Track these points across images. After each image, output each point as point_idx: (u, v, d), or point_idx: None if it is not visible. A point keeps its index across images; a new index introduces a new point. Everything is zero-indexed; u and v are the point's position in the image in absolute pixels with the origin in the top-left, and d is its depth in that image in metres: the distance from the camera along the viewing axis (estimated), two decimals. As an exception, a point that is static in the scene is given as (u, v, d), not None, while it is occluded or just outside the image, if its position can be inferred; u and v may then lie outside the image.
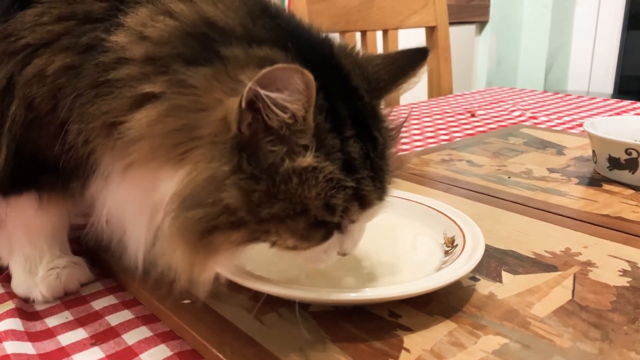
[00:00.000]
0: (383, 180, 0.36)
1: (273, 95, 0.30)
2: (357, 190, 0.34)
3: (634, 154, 0.63)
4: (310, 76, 0.29)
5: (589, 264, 0.45)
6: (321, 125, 0.33)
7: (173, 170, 0.33)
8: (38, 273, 0.43)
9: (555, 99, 1.26)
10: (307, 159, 0.32)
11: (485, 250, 0.42)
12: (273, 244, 0.34)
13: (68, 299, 0.44)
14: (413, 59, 0.40)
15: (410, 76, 0.39)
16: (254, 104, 0.30)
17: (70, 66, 0.36)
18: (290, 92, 0.30)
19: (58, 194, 0.42)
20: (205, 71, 0.32)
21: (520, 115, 1.08)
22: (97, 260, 0.47)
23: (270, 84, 0.29)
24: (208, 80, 0.32)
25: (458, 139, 0.91)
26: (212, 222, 0.32)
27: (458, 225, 0.46)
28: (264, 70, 0.29)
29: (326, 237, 0.36)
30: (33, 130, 0.38)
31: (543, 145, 0.82)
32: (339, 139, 0.33)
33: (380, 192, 0.36)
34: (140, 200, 0.35)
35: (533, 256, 0.46)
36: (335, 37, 0.41)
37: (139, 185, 0.35)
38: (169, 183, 0.33)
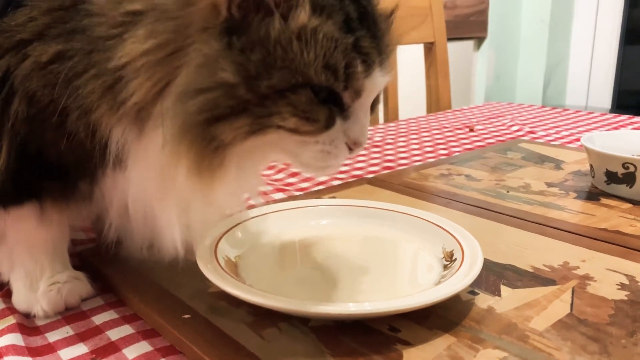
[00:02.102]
0: (381, 45, 0.36)
1: None
2: (357, 47, 0.34)
3: (631, 168, 0.63)
4: None
5: (587, 277, 0.45)
6: None
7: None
8: (39, 288, 0.44)
9: (554, 113, 1.27)
10: (304, 19, 0.32)
11: (484, 265, 0.43)
12: (278, 128, 0.33)
13: (69, 313, 0.44)
14: None
15: None
16: None
17: (63, 51, 0.36)
18: None
19: (61, 202, 0.42)
20: None
21: (518, 130, 1.09)
22: (98, 275, 0.47)
23: None
24: None
25: (457, 153, 0.91)
26: (214, 111, 0.32)
27: (457, 239, 0.47)
28: None
29: (330, 121, 0.35)
30: (37, 124, 0.38)
31: (541, 159, 0.82)
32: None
33: (381, 56, 0.36)
34: (163, 170, 0.35)
35: (531, 270, 0.46)
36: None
37: (158, 147, 0.34)
38: None
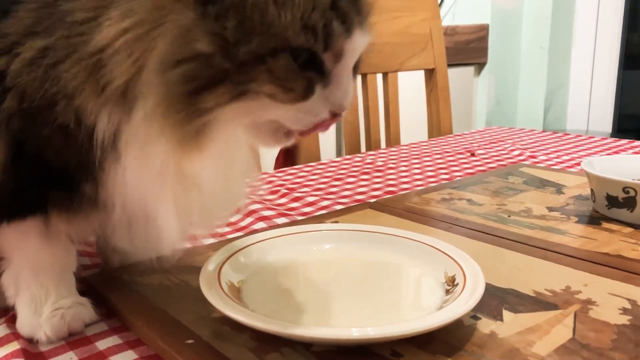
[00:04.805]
0: (359, 4, 0.36)
1: None
2: (335, 7, 0.34)
3: (632, 193, 0.64)
4: None
5: (589, 302, 0.45)
6: None
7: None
8: (43, 313, 0.44)
9: (554, 138, 1.28)
10: None
11: (486, 289, 0.43)
12: (256, 93, 0.34)
13: (72, 339, 0.44)
14: None
15: None
16: None
17: (48, 44, 0.36)
18: None
19: (68, 212, 0.42)
20: None
21: (519, 155, 1.09)
22: (102, 300, 0.48)
23: None
24: None
25: (458, 178, 0.92)
26: (194, 82, 0.32)
27: (458, 264, 0.47)
28: None
29: (308, 90, 0.35)
30: (30, 120, 0.38)
31: (542, 184, 0.83)
32: None
33: (360, 16, 0.35)
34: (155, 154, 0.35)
35: (534, 294, 0.47)
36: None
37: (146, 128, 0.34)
38: None
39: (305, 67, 0.34)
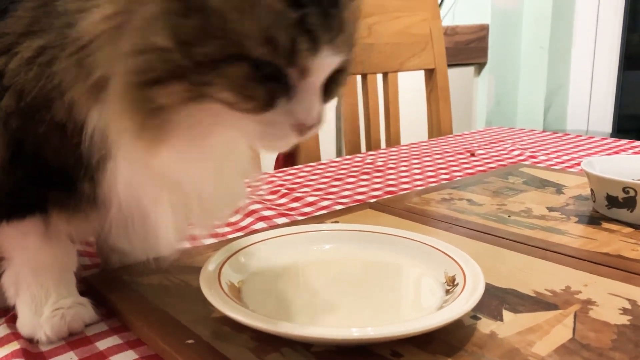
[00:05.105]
0: (334, 21, 0.33)
1: None
2: (304, 23, 0.32)
3: (632, 193, 0.64)
4: None
5: (589, 302, 0.45)
6: None
7: None
8: (43, 313, 0.44)
9: (554, 138, 1.28)
10: None
11: (486, 289, 0.43)
12: (213, 99, 0.33)
13: (73, 339, 0.44)
14: None
15: None
16: None
17: (45, 43, 0.36)
18: None
19: (68, 211, 0.42)
20: None
21: (519, 155, 1.09)
22: (102, 300, 0.48)
23: None
24: None
25: (458, 178, 0.92)
26: (150, 73, 0.32)
27: (458, 264, 0.47)
28: None
29: (270, 99, 0.33)
30: (27, 118, 0.38)
31: (542, 184, 0.83)
32: None
33: (332, 34, 0.33)
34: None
35: (534, 294, 0.47)
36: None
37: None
38: None
39: (268, 78, 0.33)
